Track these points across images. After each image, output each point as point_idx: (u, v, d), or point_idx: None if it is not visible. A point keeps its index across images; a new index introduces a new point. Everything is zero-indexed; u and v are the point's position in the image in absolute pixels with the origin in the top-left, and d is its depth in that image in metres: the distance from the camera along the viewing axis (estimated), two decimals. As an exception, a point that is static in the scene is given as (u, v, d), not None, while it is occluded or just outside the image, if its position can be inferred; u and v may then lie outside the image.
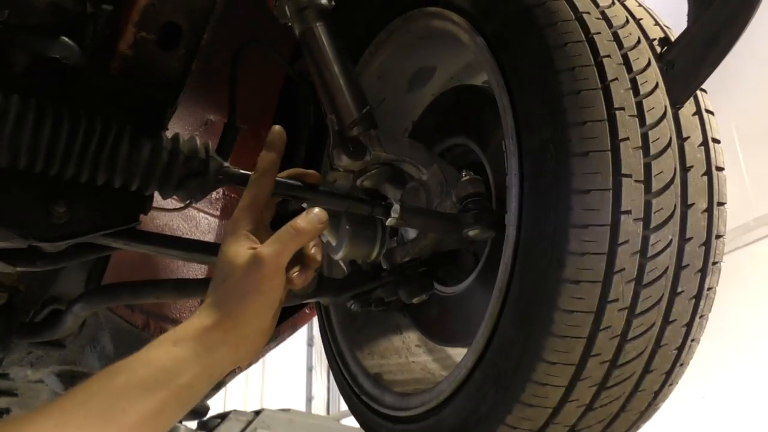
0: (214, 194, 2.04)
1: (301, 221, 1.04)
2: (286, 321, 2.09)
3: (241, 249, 1.02)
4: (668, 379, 1.15)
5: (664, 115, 1.12)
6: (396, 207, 1.24)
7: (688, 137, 1.13)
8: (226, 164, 1.13)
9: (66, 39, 1.12)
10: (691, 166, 1.12)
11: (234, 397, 14.07)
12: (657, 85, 1.13)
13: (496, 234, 1.28)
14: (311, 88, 1.60)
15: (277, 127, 1.14)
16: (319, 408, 12.87)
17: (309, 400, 13.30)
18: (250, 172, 1.16)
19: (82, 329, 1.81)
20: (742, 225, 6.94)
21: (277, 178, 1.12)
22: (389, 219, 1.25)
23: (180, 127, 1.70)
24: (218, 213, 2.03)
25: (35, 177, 1.08)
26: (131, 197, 1.14)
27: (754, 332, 6.37)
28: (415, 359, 1.63)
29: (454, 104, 1.58)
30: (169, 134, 1.17)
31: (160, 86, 1.15)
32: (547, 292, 1.05)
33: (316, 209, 1.06)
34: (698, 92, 1.21)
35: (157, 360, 0.92)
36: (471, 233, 1.26)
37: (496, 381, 1.13)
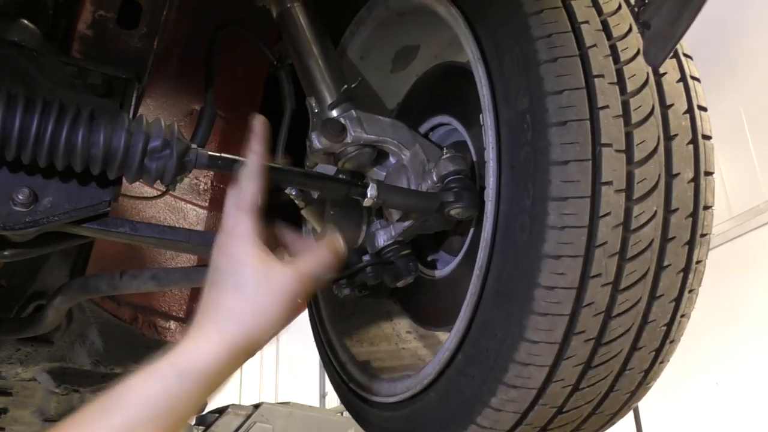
0: (201, 185, 2.01)
1: (338, 245, 1.05)
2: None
3: (269, 261, 0.97)
4: (658, 356, 1.11)
5: (647, 82, 1.08)
6: (373, 186, 1.20)
7: (672, 105, 1.09)
8: (194, 146, 1.10)
9: (25, 21, 1.09)
10: (676, 135, 1.08)
11: (248, 392, 14.12)
12: (638, 52, 1.09)
13: (478, 213, 1.24)
14: (292, 71, 1.57)
15: (260, 117, 1.10)
16: (332, 404, 12.88)
17: (323, 396, 13.31)
18: (217, 154, 1.13)
19: (69, 325, 1.79)
20: (752, 208, 6.87)
21: (244, 159, 1.08)
22: (366, 199, 1.21)
23: (164, 117, 1.67)
24: (207, 204, 2.00)
25: (-4, 164, 1.05)
26: (98, 183, 1.11)
27: (766, 316, 6.29)
28: (405, 345, 1.59)
29: (437, 83, 1.54)
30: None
31: (123, 66, 1.11)
32: (526, 269, 1.02)
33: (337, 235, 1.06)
34: (683, 58, 1.17)
35: (156, 397, 0.85)
36: (452, 212, 1.22)
37: (478, 362, 1.09)
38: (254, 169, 1.04)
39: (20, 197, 1.06)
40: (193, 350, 0.90)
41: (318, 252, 1.04)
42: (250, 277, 0.96)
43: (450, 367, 1.16)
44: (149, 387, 0.85)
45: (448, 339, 1.18)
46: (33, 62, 1.08)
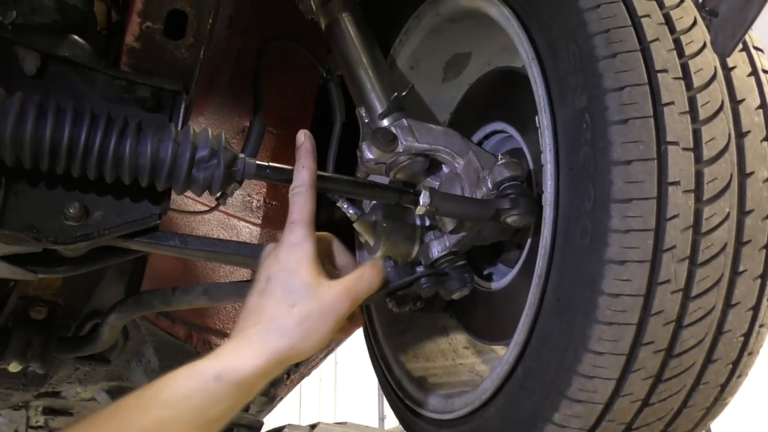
0: (254, 202, 2.01)
1: (382, 267, 1.10)
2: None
3: (321, 277, 1.00)
4: (735, 369, 1.03)
5: (714, 76, 1.01)
6: (425, 194, 1.16)
7: (743, 100, 1.02)
8: (241, 155, 1.08)
9: (75, 37, 1.10)
10: (748, 131, 1.01)
11: (307, 412, 14.12)
12: (705, 45, 1.03)
13: (536, 220, 1.19)
14: (341, 82, 1.55)
15: (305, 132, 1.12)
16: (391, 426, 12.77)
17: (382, 419, 13.21)
18: (265, 163, 1.11)
19: (126, 343, 1.80)
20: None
21: (292, 168, 1.07)
22: (419, 207, 1.17)
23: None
24: (260, 221, 1.99)
25: (47, 178, 1.06)
26: (147, 196, 1.11)
27: None
28: (462, 361, 1.54)
29: (490, 89, 1.50)
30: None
31: (171, 78, 1.11)
32: (589, 276, 0.96)
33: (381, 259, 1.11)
34: (753, 51, 1.10)
35: (194, 398, 0.85)
36: (509, 220, 1.17)
37: (539, 376, 1.04)
38: (309, 184, 1.06)
39: (71, 211, 1.06)
40: (235, 355, 0.91)
41: (365, 272, 1.06)
42: (301, 290, 0.97)
43: (509, 381, 1.10)
44: (188, 387, 0.86)
45: (506, 352, 1.13)
46: (83, 77, 1.09)
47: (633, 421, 1.02)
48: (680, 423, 1.05)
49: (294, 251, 1.01)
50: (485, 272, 1.44)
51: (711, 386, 1.03)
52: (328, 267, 1.12)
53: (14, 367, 1.55)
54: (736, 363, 1.02)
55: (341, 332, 1.09)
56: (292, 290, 0.97)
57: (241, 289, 1.37)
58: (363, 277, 1.05)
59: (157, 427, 0.81)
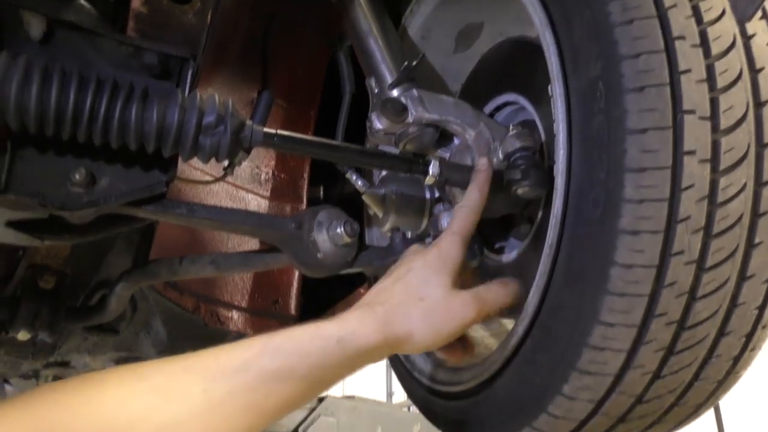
0: (263, 174, 1.99)
1: (516, 290, 1.13)
2: (340, 302, 2.03)
3: (457, 287, 1.05)
4: (749, 342, 1.01)
5: (733, 44, 0.98)
6: (435, 163, 1.15)
7: (763, 68, 1.00)
8: (249, 122, 1.06)
9: (81, 1, 1.08)
10: (767, 101, 0.98)
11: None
12: (724, 12, 1.00)
13: (547, 192, 1.17)
14: (351, 53, 1.53)
15: (489, 161, 1.19)
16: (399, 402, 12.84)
17: (390, 395, 13.30)
18: (273, 131, 1.10)
19: (134, 314, 1.80)
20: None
21: (302, 136, 1.06)
22: (428, 177, 1.16)
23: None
24: (268, 194, 1.98)
25: (53, 144, 1.05)
26: (154, 164, 1.09)
27: None
28: (471, 334, 1.52)
29: (503, 60, 1.47)
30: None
31: (178, 43, 1.09)
32: (601, 246, 0.94)
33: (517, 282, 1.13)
34: (773, 19, 1.07)
35: (314, 356, 0.88)
36: (519, 191, 1.16)
37: (549, 348, 1.02)
38: (478, 205, 1.14)
39: (77, 178, 1.05)
40: (359, 324, 0.94)
41: (494, 285, 1.11)
42: (436, 289, 1.02)
43: (518, 353, 1.09)
44: (311, 344, 0.88)
45: (516, 324, 1.12)
46: (89, 43, 1.07)
47: (643, 394, 1.01)
48: (691, 396, 1.04)
49: (443, 257, 1.06)
50: (495, 246, 1.43)
51: (723, 359, 1.01)
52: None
53: (23, 336, 1.55)
54: (749, 336, 1.00)
55: (451, 353, 1.14)
56: (428, 286, 1.02)
57: (249, 260, 1.36)
58: (491, 289, 1.10)
59: (275, 374, 0.83)
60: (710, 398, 1.06)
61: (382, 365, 13.06)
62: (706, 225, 0.93)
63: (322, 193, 2.13)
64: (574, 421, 1.04)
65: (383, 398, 12.95)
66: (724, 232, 0.94)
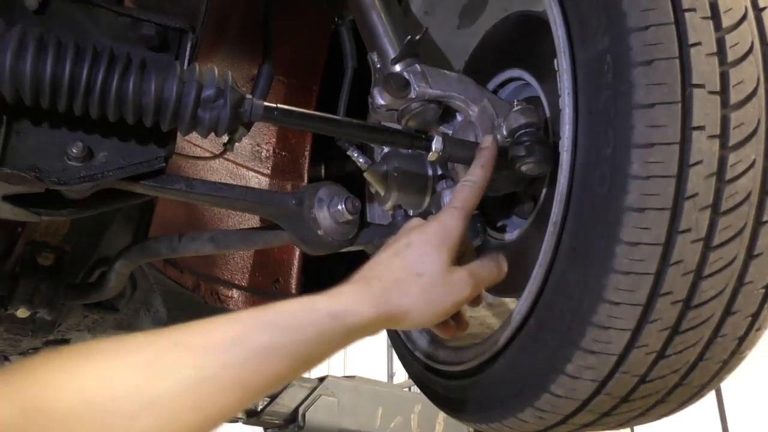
0: (264, 152, 1.97)
1: (504, 266, 1.11)
2: (341, 282, 2.01)
3: (454, 263, 1.02)
4: (755, 322, 1.00)
5: (745, 16, 0.96)
6: (438, 139, 1.13)
7: (775, 42, 0.97)
8: (248, 95, 1.04)
9: (78, -29, 1.06)
10: (778, 75, 0.96)
11: (317, 369, 14.27)
12: (735, -17, 0.97)
13: (551, 169, 1.15)
14: (353, 27, 1.50)
15: (494, 138, 1.17)
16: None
17: (390, 376, 13.35)
18: (273, 105, 1.08)
19: (134, 292, 1.78)
20: None
21: (302, 111, 1.04)
22: (431, 153, 1.14)
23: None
24: (269, 172, 1.96)
25: (50, 117, 1.03)
26: (152, 138, 1.08)
27: None
28: (473, 314, 1.51)
29: (508, 35, 1.45)
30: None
31: (176, 15, 1.07)
32: (607, 223, 0.93)
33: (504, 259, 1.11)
34: (786, -8, 1.04)
35: (306, 330, 0.85)
36: (523, 167, 1.14)
37: (553, 326, 1.01)
38: (482, 182, 1.11)
39: (74, 151, 1.03)
40: (353, 300, 0.91)
41: (486, 261, 1.09)
42: (434, 265, 0.99)
43: (521, 332, 1.08)
44: (304, 318, 0.85)
45: (519, 302, 1.10)
46: (86, 14, 1.05)
47: (647, 373, 1.00)
48: (696, 376, 1.02)
49: (444, 231, 1.03)
50: (498, 224, 1.41)
51: (729, 339, 1.00)
52: None
53: (22, 313, 1.54)
54: (755, 316, 0.99)
55: (445, 330, 1.11)
56: (426, 262, 0.99)
57: (249, 237, 1.35)
58: (485, 266, 1.08)
59: (267, 349, 0.81)
60: (714, 378, 1.05)
61: (384, 346, 13.11)
62: (714, 202, 0.91)
63: (323, 171, 2.11)
64: (577, 400, 1.03)
65: (384, 379, 13.02)
66: (732, 210, 0.92)
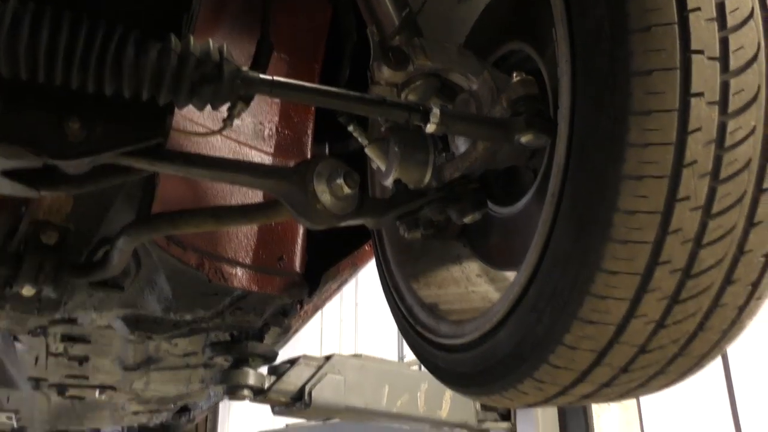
0: (266, 130, 1.97)
1: None
2: (345, 259, 2.02)
3: None
4: (755, 291, 0.99)
5: (745, -20, 0.94)
6: (435, 111, 1.12)
7: (775, 7, 0.96)
8: (244, 68, 1.04)
9: (71, -56, 1.05)
10: (779, 40, 0.94)
11: (328, 347, 14.32)
12: (735, -52, 0.95)
13: (551, 141, 1.14)
14: (353, 1, 1.49)
15: None
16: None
17: (401, 359, 13.39)
18: (269, 77, 1.07)
19: (138, 271, 1.79)
20: None
21: (299, 83, 1.03)
22: (428, 125, 1.13)
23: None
24: (272, 150, 1.96)
25: (47, 92, 1.03)
26: (149, 113, 1.07)
27: None
28: (475, 289, 1.51)
29: (508, 8, 1.43)
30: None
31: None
32: (604, 192, 0.92)
33: None
34: (787, -45, 1.02)
35: None
36: (523, 139, 1.13)
37: (551, 297, 1.01)
38: None
39: (72, 126, 1.03)
40: None
41: None
42: None
43: (520, 303, 1.08)
44: None
45: (518, 274, 1.10)
46: (82, -13, 1.04)
47: (646, 344, 0.99)
48: (695, 346, 1.02)
49: None
50: (499, 198, 1.40)
51: (729, 308, 0.99)
52: None
53: (28, 291, 1.55)
54: (756, 284, 0.98)
55: None
56: None
57: (249, 212, 1.35)
58: None
59: None
60: (715, 349, 1.04)
61: (395, 327, 13.08)
62: (713, 169, 0.90)
63: (327, 149, 2.10)
64: (576, 371, 1.03)
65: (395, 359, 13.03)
66: (732, 177, 0.91)
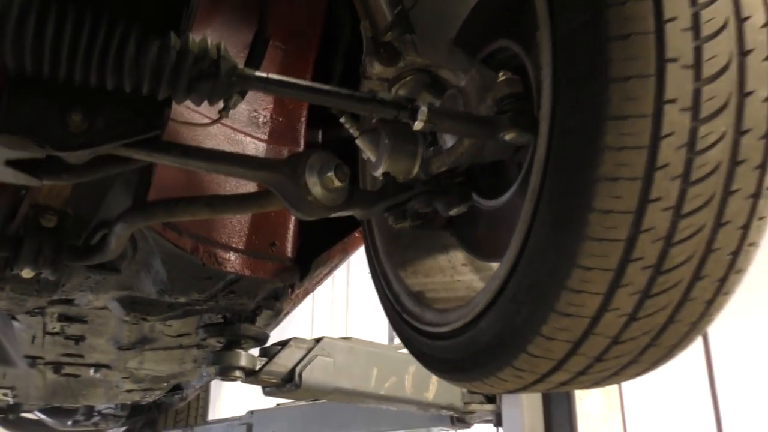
0: (261, 117, 2.01)
1: None
2: (336, 245, 2.06)
3: None
4: (722, 287, 1.04)
5: (720, -8, 0.99)
6: (423, 109, 1.16)
7: (749, 17, 1.00)
8: (240, 66, 1.08)
9: (74, -59, 1.08)
10: (751, 50, 0.99)
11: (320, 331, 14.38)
12: (712, -42, 1.00)
13: (535, 138, 1.19)
14: (347, -3, 1.53)
15: None
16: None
17: (391, 339, 13.48)
18: (264, 74, 1.11)
19: (135, 254, 1.84)
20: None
21: (292, 80, 1.07)
22: (416, 123, 1.18)
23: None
24: (266, 137, 1.99)
25: (51, 85, 1.07)
26: (149, 106, 1.11)
27: None
28: (460, 278, 1.57)
29: (498, 7, 1.47)
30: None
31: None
32: (581, 192, 0.97)
33: None
34: (764, -33, 1.07)
35: None
36: (507, 137, 1.18)
37: (530, 290, 1.06)
38: None
39: (74, 118, 1.07)
40: None
41: None
42: None
43: (501, 295, 1.13)
44: None
45: (499, 267, 1.15)
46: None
47: (619, 335, 1.05)
48: (666, 337, 1.08)
49: None
50: (485, 190, 1.45)
51: (698, 302, 1.04)
52: None
53: (27, 273, 1.59)
54: (723, 280, 1.03)
55: None
56: None
57: (243, 201, 1.39)
58: None
59: None
60: (684, 340, 1.10)
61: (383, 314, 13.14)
62: (684, 172, 0.95)
63: (320, 136, 2.14)
64: (553, 360, 1.09)
65: (385, 342, 13.11)
66: (702, 180, 0.96)
